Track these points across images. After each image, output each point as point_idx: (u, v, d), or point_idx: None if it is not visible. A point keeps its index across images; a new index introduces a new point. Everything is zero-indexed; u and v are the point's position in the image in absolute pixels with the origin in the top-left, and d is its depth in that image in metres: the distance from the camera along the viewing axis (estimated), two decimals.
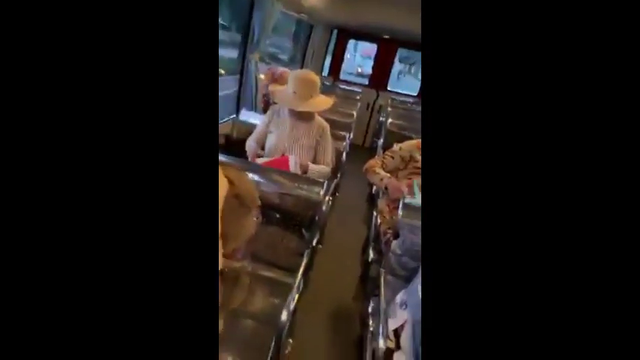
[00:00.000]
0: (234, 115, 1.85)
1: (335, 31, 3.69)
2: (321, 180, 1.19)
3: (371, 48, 4.12)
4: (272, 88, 1.54)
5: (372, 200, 2.11)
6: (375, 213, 1.64)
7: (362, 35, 3.88)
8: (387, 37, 3.60)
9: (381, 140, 2.37)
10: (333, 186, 1.71)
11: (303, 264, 1.13)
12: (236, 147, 1.55)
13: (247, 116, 1.84)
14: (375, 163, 1.53)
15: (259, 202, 1.07)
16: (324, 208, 1.14)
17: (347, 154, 1.92)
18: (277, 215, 1.20)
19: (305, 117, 1.46)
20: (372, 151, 3.50)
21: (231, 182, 0.99)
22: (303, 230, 1.18)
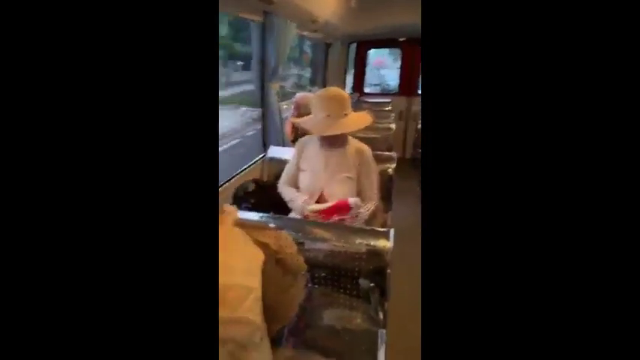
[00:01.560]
0: (263, 154, 1.64)
1: (353, 45, 3.55)
2: (384, 229, 0.88)
3: (381, 59, 4.00)
4: (294, 120, 1.29)
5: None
6: None
7: (382, 42, 3.75)
8: (409, 38, 3.43)
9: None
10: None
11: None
12: (270, 191, 1.32)
13: (277, 153, 1.62)
14: None
15: (305, 267, 0.83)
16: (388, 270, 0.84)
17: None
18: (328, 280, 0.93)
19: (338, 143, 1.20)
20: (415, 163, 3.18)
21: (267, 247, 0.75)
22: (370, 295, 0.89)
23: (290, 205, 1.23)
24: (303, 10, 1.54)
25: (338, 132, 1.12)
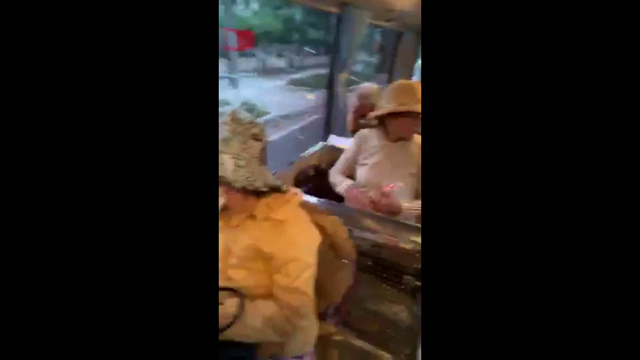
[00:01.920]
0: (322, 142, 1.71)
1: None
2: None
3: None
4: (371, 114, 1.30)
5: None
6: None
7: None
8: None
9: None
10: None
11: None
12: (327, 178, 1.39)
13: (337, 141, 1.68)
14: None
15: (355, 254, 0.88)
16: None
17: None
18: (374, 270, 0.96)
19: (403, 136, 1.18)
20: None
21: (324, 231, 0.82)
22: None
23: (336, 189, 1.26)
24: (381, 0, 1.52)
25: (412, 109, 1.08)
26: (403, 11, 1.96)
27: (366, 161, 1.24)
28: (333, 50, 1.66)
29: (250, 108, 5.90)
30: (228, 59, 7.79)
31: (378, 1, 1.51)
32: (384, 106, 1.15)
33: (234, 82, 7.71)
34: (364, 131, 1.29)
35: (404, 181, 1.17)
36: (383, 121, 1.22)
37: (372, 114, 1.20)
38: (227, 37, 5.93)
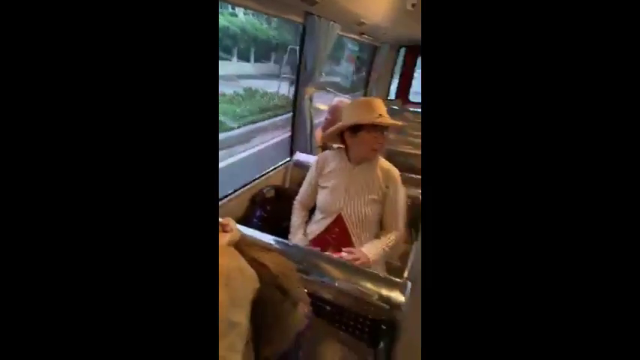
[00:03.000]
0: (288, 159, 1.59)
1: (402, 50, 3.37)
2: (401, 281, 0.77)
3: None
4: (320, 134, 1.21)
5: None
6: None
7: None
8: None
9: None
10: (411, 259, 1.25)
11: None
12: (288, 201, 1.26)
13: (303, 159, 1.56)
14: None
15: (307, 299, 0.76)
16: (397, 321, 0.74)
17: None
18: (331, 315, 0.85)
19: (367, 159, 1.10)
20: None
21: (266, 269, 0.70)
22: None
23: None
24: (349, 11, 1.44)
25: (365, 121, 1.02)
26: (377, 25, 1.91)
27: (326, 184, 1.14)
28: (297, 62, 1.56)
29: None
30: None
31: (347, 12, 1.43)
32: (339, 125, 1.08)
33: None
34: (325, 153, 1.20)
35: (364, 208, 1.07)
36: (344, 142, 1.13)
37: (325, 133, 1.12)
38: None
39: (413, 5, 1.54)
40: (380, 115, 1.03)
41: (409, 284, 0.74)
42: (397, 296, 0.73)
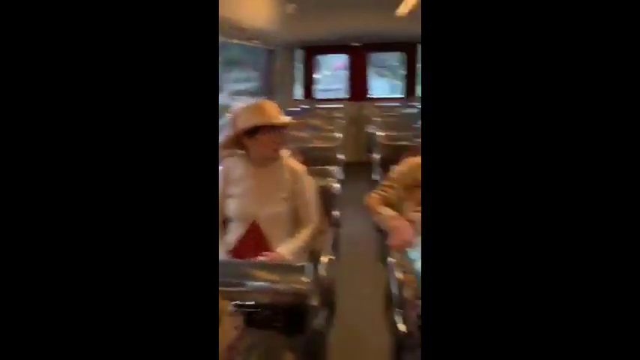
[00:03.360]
0: None
1: (299, 51, 3.51)
2: (299, 264, 0.79)
3: (342, 61, 3.97)
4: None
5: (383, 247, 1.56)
6: (391, 270, 1.20)
7: (328, 49, 3.76)
8: (356, 44, 3.46)
9: (376, 155, 1.99)
10: (330, 242, 1.30)
11: None
12: None
13: None
14: (374, 199, 1.15)
15: (227, 309, 0.74)
16: (311, 302, 0.76)
17: (341, 187, 1.52)
18: (259, 319, 0.84)
19: (270, 158, 1.10)
20: (365, 167, 3.17)
21: None
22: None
23: None
24: (223, 18, 1.42)
25: (258, 122, 1.02)
26: (260, 30, 1.93)
27: (233, 192, 1.11)
28: None
29: None
30: None
31: (222, 18, 1.41)
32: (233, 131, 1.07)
33: None
34: (228, 159, 1.16)
35: (277, 207, 1.08)
36: (245, 146, 1.11)
37: (222, 141, 1.09)
38: None
39: (293, 9, 1.60)
40: (274, 116, 1.05)
41: (310, 265, 0.77)
42: (300, 279, 0.75)
